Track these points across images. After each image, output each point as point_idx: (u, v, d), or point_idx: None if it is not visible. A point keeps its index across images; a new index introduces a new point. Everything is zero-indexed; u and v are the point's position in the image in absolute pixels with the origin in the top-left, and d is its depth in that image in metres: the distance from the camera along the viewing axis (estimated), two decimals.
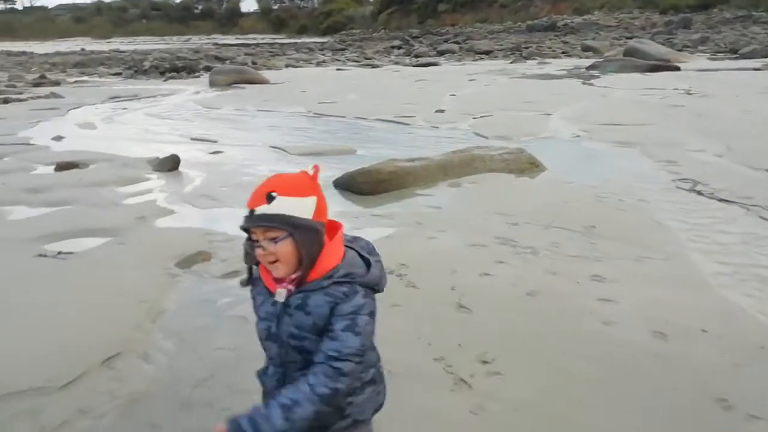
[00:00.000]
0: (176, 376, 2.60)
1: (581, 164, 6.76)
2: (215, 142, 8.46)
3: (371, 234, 4.41)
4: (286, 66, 26.12)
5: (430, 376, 2.54)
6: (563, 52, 28.88)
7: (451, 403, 2.35)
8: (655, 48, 21.95)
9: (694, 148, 7.17)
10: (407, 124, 9.78)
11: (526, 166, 6.37)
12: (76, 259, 3.94)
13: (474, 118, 10.04)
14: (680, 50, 25.24)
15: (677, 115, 9.71)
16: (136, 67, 24.83)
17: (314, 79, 18.96)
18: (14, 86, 17.63)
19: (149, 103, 13.73)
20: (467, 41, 38.72)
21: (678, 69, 17.84)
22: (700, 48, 27.90)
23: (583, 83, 15.42)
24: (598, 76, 17.07)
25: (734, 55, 23.35)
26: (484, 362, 2.62)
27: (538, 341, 2.80)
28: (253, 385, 2.51)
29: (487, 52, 30.47)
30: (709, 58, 23.10)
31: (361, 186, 5.68)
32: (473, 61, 27.11)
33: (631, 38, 31.83)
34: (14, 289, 3.45)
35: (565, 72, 18.93)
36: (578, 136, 8.33)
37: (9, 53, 40.76)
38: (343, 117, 10.76)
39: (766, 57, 21.30)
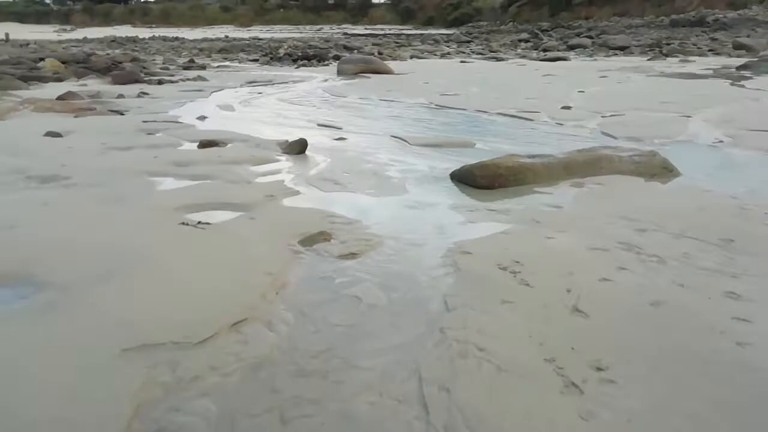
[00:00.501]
0: (295, 346, 2.79)
1: (722, 172, 6.21)
2: (340, 128, 8.79)
3: (486, 229, 4.41)
4: (411, 57, 26.34)
5: (540, 376, 2.50)
6: (710, 50, 26.38)
7: (561, 406, 2.31)
8: None
9: None
10: (530, 120, 9.53)
11: (659, 170, 5.96)
12: (212, 230, 4.33)
13: (603, 116, 9.55)
14: None
15: None
16: (271, 54, 26.34)
17: (437, 71, 18.98)
18: (167, 68, 19.48)
19: (281, 88, 14.53)
20: (601, 36, 36.61)
21: None
22: None
23: (732, 84, 14.05)
24: (750, 77, 15.44)
25: None
26: (599, 369, 2.53)
27: (660, 354, 2.65)
28: (366, 362, 2.65)
29: (623, 48, 28.65)
30: None
31: (478, 179, 5.65)
32: (606, 56, 25.64)
33: None
34: (160, 252, 3.86)
35: (710, 71, 17.35)
36: (721, 141, 7.64)
37: (164, 38, 45.08)
38: (464, 110, 10.71)
39: None
